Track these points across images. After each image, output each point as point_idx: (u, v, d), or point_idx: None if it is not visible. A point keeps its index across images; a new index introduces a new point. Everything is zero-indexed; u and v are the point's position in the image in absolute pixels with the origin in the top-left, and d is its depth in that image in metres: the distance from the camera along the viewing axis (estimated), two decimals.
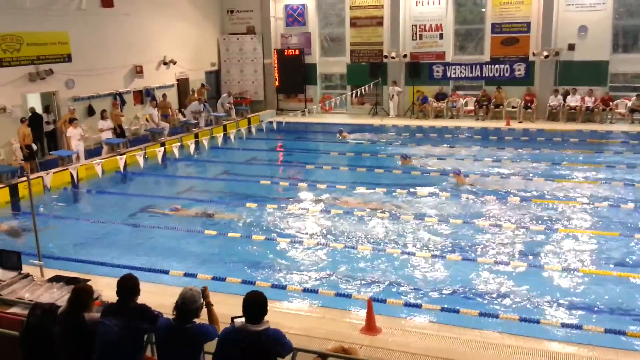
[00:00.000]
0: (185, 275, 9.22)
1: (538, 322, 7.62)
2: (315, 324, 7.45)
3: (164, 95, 21.73)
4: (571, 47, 21.73)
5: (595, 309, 8.18)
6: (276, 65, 25.74)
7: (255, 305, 4.61)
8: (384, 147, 19.22)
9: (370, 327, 7.22)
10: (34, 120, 16.75)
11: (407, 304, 8.19)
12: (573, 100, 21.55)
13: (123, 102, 20.26)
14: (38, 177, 13.43)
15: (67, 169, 13.68)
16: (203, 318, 5.05)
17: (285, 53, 25.55)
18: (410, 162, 16.51)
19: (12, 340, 5.48)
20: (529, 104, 22.07)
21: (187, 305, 4.75)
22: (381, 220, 11.91)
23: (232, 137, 16.13)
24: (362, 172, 16.02)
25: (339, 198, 13.49)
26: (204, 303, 5.10)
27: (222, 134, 16.80)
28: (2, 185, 14.18)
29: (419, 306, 8.14)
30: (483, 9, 23.22)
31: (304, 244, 10.73)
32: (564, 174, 15.19)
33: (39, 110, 17.72)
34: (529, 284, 8.88)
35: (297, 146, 20.45)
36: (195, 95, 22.80)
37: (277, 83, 25.94)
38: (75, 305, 5.11)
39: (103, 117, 17.94)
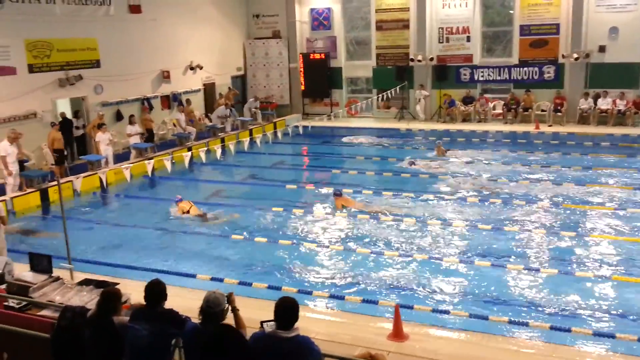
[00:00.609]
0: (212, 279, 9.24)
1: (569, 330, 7.45)
2: (342, 330, 7.41)
3: (188, 101, 21.90)
4: (602, 48, 21.33)
5: (630, 317, 7.97)
6: (302, 70, 25.79)
7: (287, 311, 4.60)
8: (411, 152, 19.06)
9: (397, 334, 7.15)
10: (64, 125, 17.05)
11: (435, 310, 8.09)
12: (604, 104, 21.18)
13: (151, 107, 20.49)
14: (68, 181, 13.62)
15: (96, 173, 13.87)
16: (230, 323, 5.04)
17: (311, 57, 25.59)
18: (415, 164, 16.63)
19: (43, 342, 5.55)
20: (559, 107, 21.74)
21: (212, 307, 4.75)
22: (408, 226, 11.81)
23: (258, 141, 16.19)
24: (388, 177, 15.91)
25: (366, 202, 13.43)
26: (230, 308, 5.11)
27: (248, 139, 16.87)
28: (33, 190, 14.42)
29: (447, 312, 8.03)
30: (511, 11, 22.96)
31: (330, 249, 10.69)
32: (594, 179, 14.90)
33: (69, 115, 18.02)
34: (559, 290, 8.72)
35: (323, 150, 20.43)
36: (223, 99, 22.95)
37: (302, 87, 25.98)
38: (104, 308, 5.15)
39: (131, 122, 18.15)
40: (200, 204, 13.45)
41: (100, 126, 16.92)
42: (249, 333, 4.91)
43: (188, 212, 12.87)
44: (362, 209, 12.96)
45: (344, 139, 21.51)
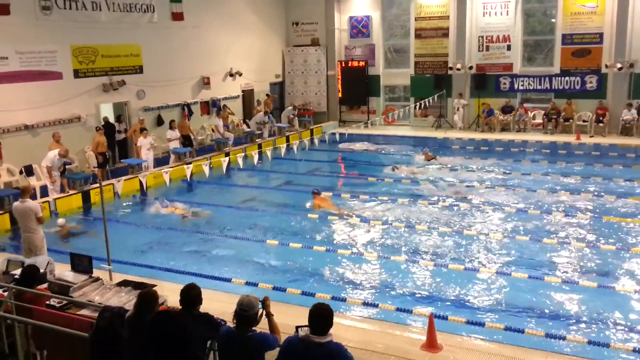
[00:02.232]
0: (247, 284, 9.33)
1: (608, 345, 7.28)
2: (375, 338, 7.38)
3: (224, 107, 22.17)
4: None
5: None
6: (339, 77, 25.86)
7: (322, 317, 4.61)
8: (448, 161, 18.90)
9: (431, 344, 7.08)
10: (107, 129, 17.44)
11: (470, 322, 7.99)
12: None
13: (190, 113, 20.81)
14: (109, 184, 13.94)
15: (137, 176, 14.14)
16: (264, 328, 5.09)
17: (349, 64, 25.64)
18: (399, 169, 17.21)
19: (82, 341, 5.67)
20: (601, 118, 21.28)
21: (246, 310, 4.79)
22: (444, 235, 11.72)
23: (294, 148, 16.28)
24: (425, 185, 15.80)
25: (340, 205, 13.79)
26: (264, 313, 5.15)
27: (285, 145, 16.98)
28: (76, 191, 14.79)
29: (482, 324, 7.93)
30: (553, 20, 22.60)
31: (365, 257, 10.67)
32: (637, 191, 14.53)
33: (111, 119, 18.44)
34: (598, 305, 8.53)
35: (359, 158, 20.41)
36: (262, 106, 23.17)
37: (340, 94, 26.05)
38: (141, 309, 5.24)
39: (171, 127, 18.46)
40: (235, 209, 13.57)
41: (142, 131, 17.26)
42: (282, 338, 4.94)
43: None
44: (336, 211, 13.40)
45: (340, 145, 21.44)
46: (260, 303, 5.11)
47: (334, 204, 13.91)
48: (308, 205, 13.83)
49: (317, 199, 13.84)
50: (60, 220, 12.91)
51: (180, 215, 13.63)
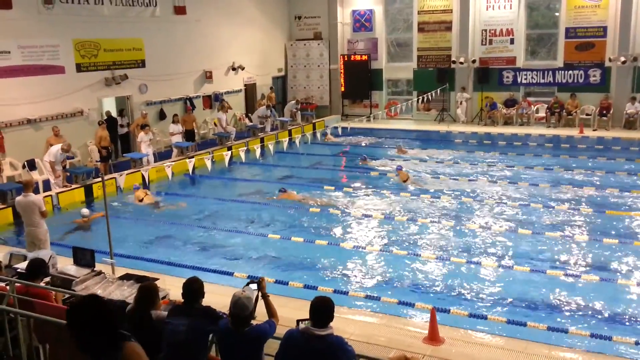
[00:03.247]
0: (249, 277, 9.33)
1: (610, 338, 7.28)
2: (377, 331, 7.40)
3: (222, 100, 22.14)
4: None
5: None
6: (342, 71, 25.81)
7: (322, 310, 4.62)
8: (451, 155, 18.88)
9: (433, 337, 7.09)
10: (109, 124, 17.45)
11: (472, 315, 8.00)
12: None
13: (193, 107, 20.81)
14: (111, 178, 13.96)
15: (139, 170, 14.15)
16: (261, 309, 5.11)
17: (352, 58, 25.59)
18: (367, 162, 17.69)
19: None
20: (605, 112, 21.21)
21: (240, 312, 4.81)
22: (446, 228, 11.72)
23: (297, 141, 16.27)
24: (426, 179, 15.77)
25: (305, 195, 14.07)
26: (261, 295, 5.20)
27: (287, 139, 16.95)
28: (78, 185, 14.81)
29: (484, 317, 7.94)
30: (557, 13, 22.52)
31: (367, 250, 10.69)
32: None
33: (114, 113, 18.45)
34: (600, 298, 8.52)
35: (361, 152, 20.38)
36: (265, 100, 23.13)
37: (342, 88, 26.01)
38: (142, 303, 5.25)
39: (174, 121, 18.46)
40: (239, 202, 13.57)
41: (143, 127, 17.27)
42: (283, 331, 4.95)
43: (142, 200, 13.99)
44: (302, 200, 13.94)
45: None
46: (256, 284, 5.23)
47: (300, 194, 14.41)
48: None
49: (283, 195, 14.14)
50: (85, 211, 12.83)
51: (150, 203, 14.04)
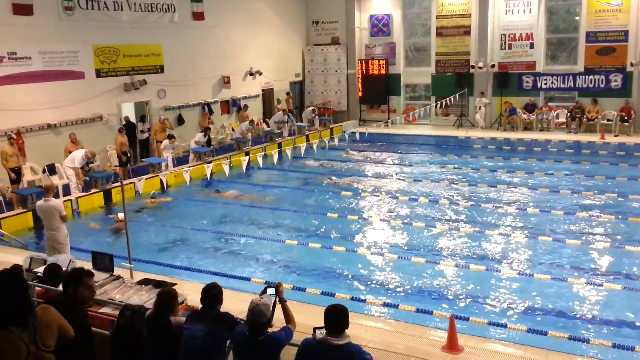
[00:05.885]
0: (266, 283, 9.30)
1: (632, 349, 7.14)
2: (395, 339, 7.31)
3: (245, 106, 22.20)
4: None
5: None
6: (360, 76, 25.77)
7: (336, 317, 4.57)
8: (470, 161, 18.74)
9: (452, 346, 7.00)
10: (128, 129, 17.59)
11: (492, 323, 7.90)
12: None
13: (211, 112, 20.90)
14: (130, 182, 14.03)
15: (158, 175, 14.22)
16: (278, 315, 5.10)
17: (370, 63, 25.54)
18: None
19: (103, 339, 5.70)
20: (626, 117, 20.93)
21: (257, 319, 4.79)
22: (465, 235, 11.60)
23: (314, 147, 16.25)
24: (444, 185, 15.68)
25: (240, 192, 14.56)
26: (278, 300, 5.21)
27: (304, 144, 16.94)
28: (97, 190, 14.92)
29: (504, 326, 7.83)
30: (577, 17, 22.29)
31: (385, 257, 10.61)
32: None
33: (132, 119, 18.58)
34: (623, 307, 8.39)
35: (379, 158, 20.30)
36: (282, 104, 23.13)
37: (360, 93, 25.96)
38: (161, 308, 5.25)
39: (204, 133, 18.58)
40: (255, 208, 13.55)
41: (170, 137, 17.39)
42: (300, 337, 4.91)
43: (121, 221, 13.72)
44: (237, 196, 14.78)
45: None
46: (273, 289, 5.27)
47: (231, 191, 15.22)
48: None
49: (219, 195, 15.01)
50: (121, 215, 12.71)
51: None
